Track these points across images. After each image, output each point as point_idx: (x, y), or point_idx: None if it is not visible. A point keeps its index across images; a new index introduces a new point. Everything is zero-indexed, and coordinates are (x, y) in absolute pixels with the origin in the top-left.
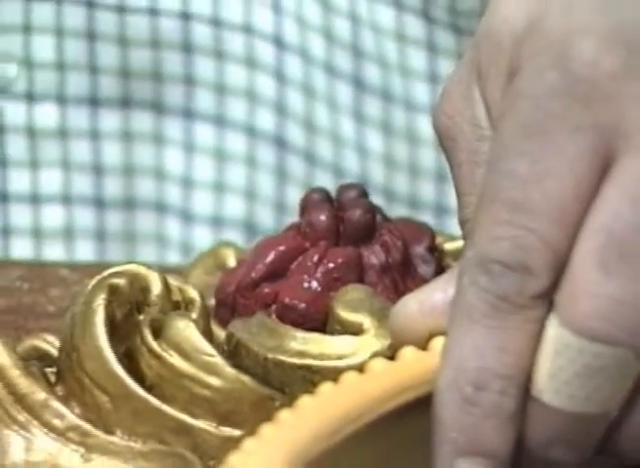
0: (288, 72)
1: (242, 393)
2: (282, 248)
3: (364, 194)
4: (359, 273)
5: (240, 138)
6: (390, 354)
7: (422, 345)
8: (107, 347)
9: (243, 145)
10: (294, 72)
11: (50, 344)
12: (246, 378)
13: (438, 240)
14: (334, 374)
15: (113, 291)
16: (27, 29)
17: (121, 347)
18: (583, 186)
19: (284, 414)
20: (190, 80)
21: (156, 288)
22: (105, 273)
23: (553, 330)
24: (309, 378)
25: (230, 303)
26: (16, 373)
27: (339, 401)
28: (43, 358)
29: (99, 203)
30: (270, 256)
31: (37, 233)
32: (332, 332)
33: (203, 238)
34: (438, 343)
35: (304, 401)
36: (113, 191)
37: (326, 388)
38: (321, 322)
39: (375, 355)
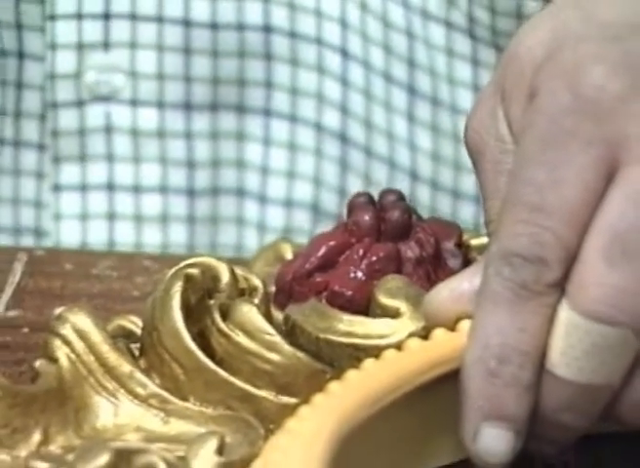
0: (351, 78)
1: (297, 367)
2: (332, 243)
3: (402, 197)
4: (397, 265)
5: (310, 134)
6: (424, 334)
7: (451, 327)
8: (183, 327)
9: (312, 140)
10: (356, 79)
11: (134, 324)
12: (301, 355)
13: (465, 236)
14: (375, 352)
15: (188, 279)
16: (133, 46)
17: (194, 328)
18: (592, 191)
19: (333, 386)
20: (269, 84)
21: (225, 277)
22: (182, 264)
23: (564, 313)
24: (355, 355)
25: (287, 290)
26: (105, 349)
27: (380, 374)
28: (128, 336)
29: (190, 192)
30: (322, 250)
31: (138, 219)
32: (374, 316)
33: (276, 219)
34: (465, 325)
35: (351, 374)
36: (202, 182)
37: (369, 363)
38: (364, 307)
39: (410, 335)
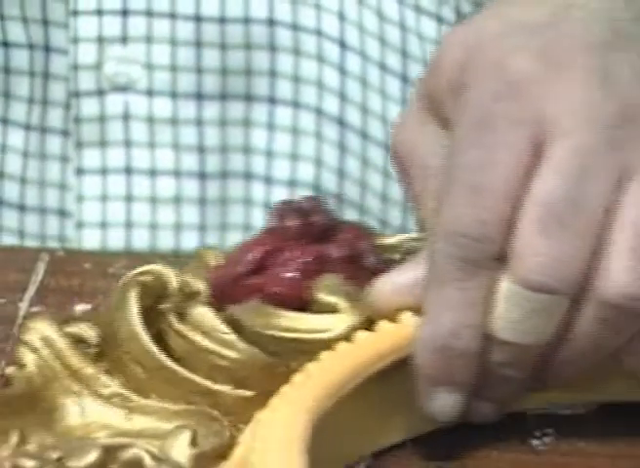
0: (349, 68)
1: (252, 362)
2: (262, 247)
3: (323, 203)
4: (324, 265)
5: (311, 119)
6: (364, 327)
7: (393, 318)
8: (141, 330)
9: (313, 124)
10: (353, 68)
11: (85, 331)
12: (255, 350)
13: (378, 238)
14: (319, 345)
15: (141, 286)
16: (149, 40)
17: (152, 330)
18: (524, 168)
19: (298, 377)
20: (273, 74)
21: (173, 282)
22: (133, 272)
23: (506, 284)
24: (299, 348)
25: (222, 294)
26: (69, 353)
27: (337, 366)
28: (81, 341)
29: (201, 175)
30: (253, 254)
31: (154, 200)
32: (312, 312)
33: (281, 198)
34: (407, 316)
35: (311, 366)
36: (212, 166)
37: (326, 356)
38: (298, 305)
39: (349, 328)
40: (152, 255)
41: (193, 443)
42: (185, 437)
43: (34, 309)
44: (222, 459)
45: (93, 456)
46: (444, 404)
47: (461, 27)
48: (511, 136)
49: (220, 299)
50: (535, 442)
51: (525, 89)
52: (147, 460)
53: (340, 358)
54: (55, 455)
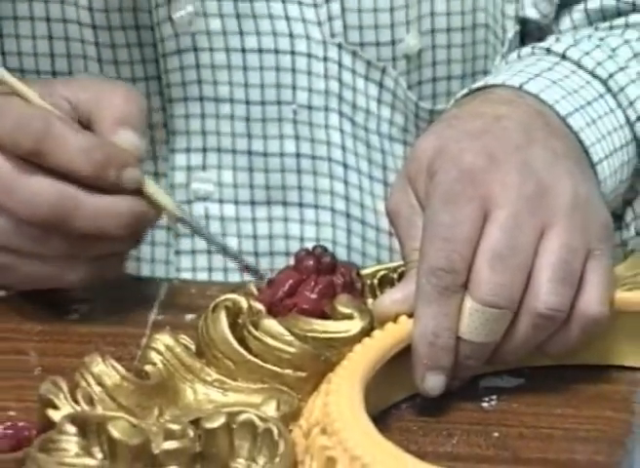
0: (350, 180)
1: (304, 354)
2: (291, 280)
3: (326, 250)
4: (333, 289)
5: (327, 215)
6: (371, 328)
7: (394, 320)
8: (230, 336)
9: (329, 218)
10: (352, 180)
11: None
12: (305, 346)
13: (361, 269)
14: (343, 341)
15: (226, 308)
16: (219, 167)
17: (235, 335)
18: (477, 227)
19: (348, 358)
20: (300, 188)
21: (245, 305)
22: (220, 299)
23: (468, 302)
24: (331, 344)
25: (269, 310)
26: (183, 355)
27: (369, 350)
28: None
29: (255, 254)
30: (287, 285)
31: (226, 270)
32: (336, 319)
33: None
34: (403, 319)
35: (357, 348)
36: (263, 247)
37: (360, 345)
38: (320, 316)
39: (362, 329)
40: (229, 285)
41: (278, 408)
42: (273, 404)
43: (159, 317)
44: (294, 419)
45: (222, 419)
46: (434, 383)
47: (429, 134)
48: (467, 207)
49: (268, 314)
50: (484, 404)
51: (474, 176)
52: (256, 419)
53: (369, 346)
54: (191, 419)
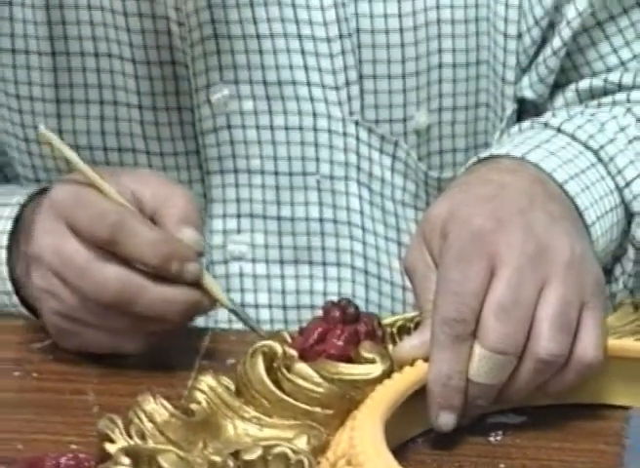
0: (367, 240)
1: (331, 394)
2: (320, 329)
3: (350, 302)
4: (358, 337)
5: (348, 272)
6: (391, 370)
7: (411, 364)
8: (266, 379)
9: (349, 275)
10: (370, 240)
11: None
12: (332, 387)
13: (381, 319)
14: (366, 382)
15: (263, 353)
16: (252, 231)
17: (271, 377)
18: (484, 282)
19: (370, 398)
20: (324, 248)
21: (279, 350)
22: (257, 345)
23: (477, 349)
24: (355, 385)
25: (301, 356)
26: (225, 395)
27: (390, 390)
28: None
29: (284, 307)
30: (316, 333)
31: (256, 306)
32: (360, 363)
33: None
34: (419, 362)
35: (376, 391)
36: (290, 301)
37: (382, 386)
38: (346, 360)
39: (383, 372)
40: (265, 333)
41: (308, 442)
42: (304, 438)
43: (204, 362)
44: (322, 452)
45: (259, 452)
46: (446, 420)
47: (443, 198)
48: (476, 265)
49: (300, 358)
50: (491, 439)
51: (483, 237)
52: (289, 452)
53: (389, 386)
54: (231, 451)
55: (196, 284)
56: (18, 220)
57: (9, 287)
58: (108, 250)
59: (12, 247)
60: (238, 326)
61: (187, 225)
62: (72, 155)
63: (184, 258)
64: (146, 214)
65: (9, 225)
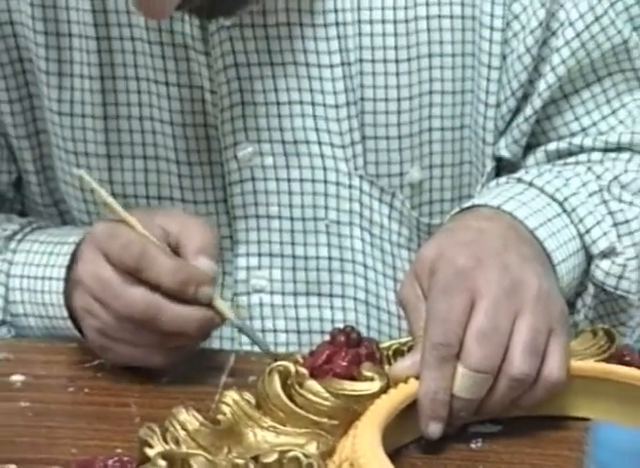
0: (369, 276)
1: (336, 407)
2: (328, 351)
3: (354, 329)
4: (359, 358)
5: (351, 303)
6: (387, 387)
7: (404, 382)
8: (282, 394)
9: (352, 305)
10: (371, 276)
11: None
12: (338, 401)
13: (379, 343)
14: (366, 397)
15: (279, 372)
16: (270, 267)
17: (286, 392)
18: (466, 312)
19: (370, 410)
20: (332, 282)
21: (293, 369)
22: (274, 365)
23: (460, 368)
24: (357, 399)
25: (311, 374)
26: (247, 407)
27: (386, 403)
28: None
29: (297, 332)
30: (324, 355)
31: (275, 331)
32: (360, 381)
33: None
34: (412, 380)
35: (375, 404)
36: (303, 326)
37: (379, 400)
38: (350, 378)
39: (380, 388)
40: (281, 355)
41: (317, 447)
42: (314, 444)
43: (229, 379)
44: (329, 456)
45: (275, 455)
46: (434, 429)
47: (431, 242)
48: (459, 297)
49: (310, 376)
50: (472, 445)
51: (465, 274)
52: (301, 456)
53: (386, 400)
54: (252, 455)
55: (209, 304)
56: (74, 255)
57: (65, 313)
58: (135, 275)
59: (68, 280)
60: (258, 349)
61: (203, 254)
62: (106, 194)
63: (199, 283)
64: (172, 245)
65: (66, 261)
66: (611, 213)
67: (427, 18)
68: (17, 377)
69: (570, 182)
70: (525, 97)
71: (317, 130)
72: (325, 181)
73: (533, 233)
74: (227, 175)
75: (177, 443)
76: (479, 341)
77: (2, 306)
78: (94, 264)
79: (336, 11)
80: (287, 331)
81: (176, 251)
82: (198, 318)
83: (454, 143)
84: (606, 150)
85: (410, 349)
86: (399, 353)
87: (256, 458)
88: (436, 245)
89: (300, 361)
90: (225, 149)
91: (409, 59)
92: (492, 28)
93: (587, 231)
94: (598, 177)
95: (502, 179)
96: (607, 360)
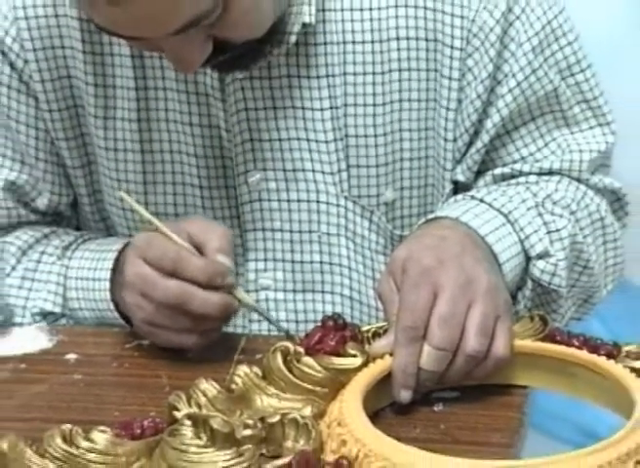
0: (360, 290)
1: (326, 377)
2: (319, 333)
3: (340, 316)
4: (345, 339)
5: (347, 302)
6: (367, 361)
7: (381, 358)
8: (283, 367)
9: (341, 303)
10: (361, 288)
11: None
12: (327, 373)
13: (360, 327)
14: (350, 370)
15: (281, 350)
16: (275, 272)
17: (286, 366)
18: (429, 302)
19: (354, 380)
20: (331, 284)
21: (292, 348)
22: (277, 345)
23: (425, 347)
24: (343, 372)
25: (306, 352)
26: (256, 379)
27: (367, 374)
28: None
29: (296, 322)
30: (317, 336)
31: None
32: (346, 357)
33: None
34: (387, 356)
35: (357, 376)
36: (301, 323)
37: (362, 372)
38: (337, 354)
39: (362, 362)
40: (282, 337)
41: (311, 410)
42: (309, 408)
43: (241, 356)
44: (321, 417)
45: (278, 417)
46: (405, 396)
47: (402, 246)
48: (425, 290)
49: (306, 354)
50: (435, 408)
51: (430, 272)
52: (298, 417)
53: (367, 372)
54: (259, 417)
55: (230, 292)
56: (117, 260)
57: (111, 306)
58: (173, 275)
59: (113, 280)
60: (264, 332)
61: (221, 253)
62: (144, 211)
63: (223, 275)
64: (195, 245)
65: (111, 264)
66: (545, 223)
67: (399, 70)
68: (71, 356)
69: (512, 199)
70: (476, 133)
71: (311, 160)
72: (317, 201)
73: (484, 239)
74: (239, 197)
75: (199, 407)
76: (440, 325)
77: (61, 303)
78: (136, 267)
79: (326, 65)
80: (288, 321)
81: (198, 249)
82: (222, 302)
83: (420, 170)
84: (540, 174)
85: (385, 332)
86: (377, 335)
87: (262, 419)
88: (406, 248)
89: (298, 342)
90: (238, 176)
91: (383, 104)
92: (450, 78)
93: (527, 237)
94: (534, 195)
95: (459, 197)
96: (542, 340)
